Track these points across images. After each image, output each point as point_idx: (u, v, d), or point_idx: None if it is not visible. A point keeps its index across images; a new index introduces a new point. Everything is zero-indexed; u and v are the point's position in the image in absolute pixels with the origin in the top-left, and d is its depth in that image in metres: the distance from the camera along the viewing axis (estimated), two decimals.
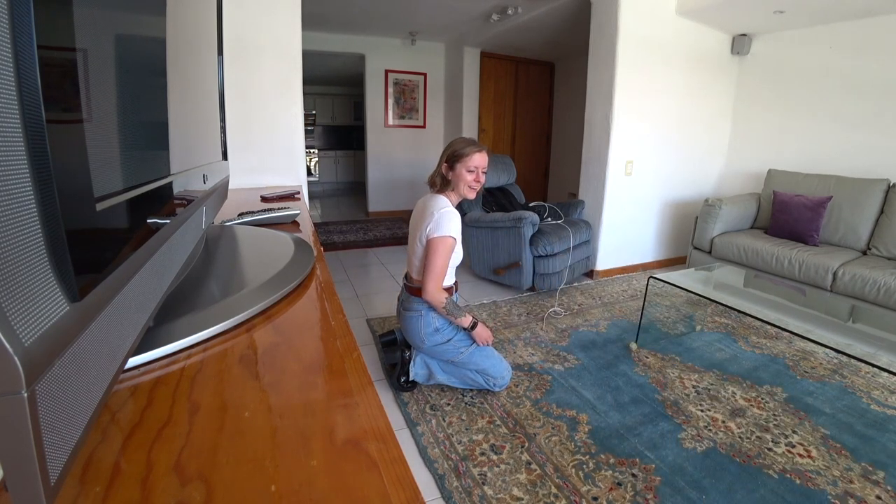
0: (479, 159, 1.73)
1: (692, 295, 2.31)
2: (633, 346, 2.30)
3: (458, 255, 1.79)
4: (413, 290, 1.79)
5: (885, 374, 1.87)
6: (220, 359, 0.48)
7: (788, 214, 3.10)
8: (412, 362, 1.86)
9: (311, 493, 0.31)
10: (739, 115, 3.92)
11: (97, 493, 0.30)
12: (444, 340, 1.79)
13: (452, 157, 1.74)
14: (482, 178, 1.76)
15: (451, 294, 1.83)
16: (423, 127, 5.98)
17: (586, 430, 1.66)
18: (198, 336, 0.50)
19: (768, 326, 2.33)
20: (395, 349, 1.93)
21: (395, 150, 5.89)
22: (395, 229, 5.16)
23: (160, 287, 0.46)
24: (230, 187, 1.25)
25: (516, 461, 1.49)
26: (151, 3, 0.47)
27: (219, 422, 0.38)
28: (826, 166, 3.34)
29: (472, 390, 1.87)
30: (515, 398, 1.84)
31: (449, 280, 1.81)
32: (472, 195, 1.76)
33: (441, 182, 1.78)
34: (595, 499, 1.35)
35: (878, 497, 1.37)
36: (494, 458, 1.51)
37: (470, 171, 1.72)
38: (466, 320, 1.75)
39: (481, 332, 1.79)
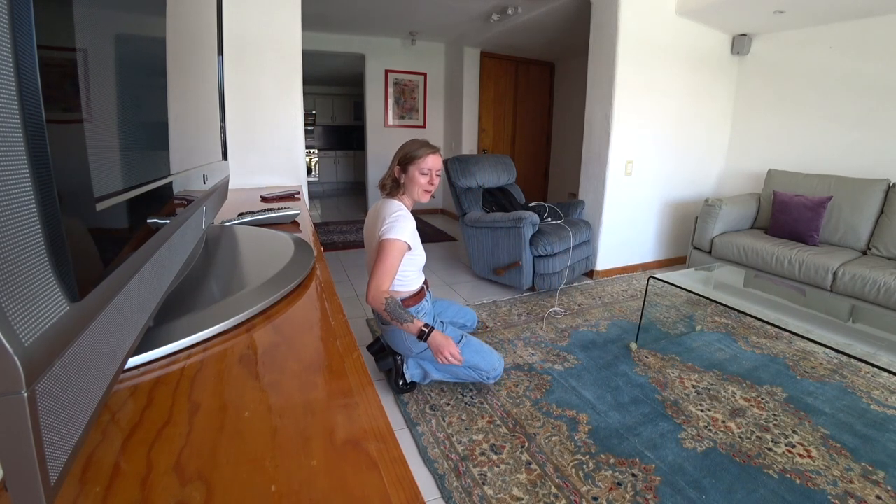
0: (433, 161, 1.67)
1: (692, 295, 2.31)
2: (633, 346, 2.30)
3: (418, 259, 1.71)
4: None
5: (885, 374, 1.87)
6: (220, 359, 0.48)
7: (788, 214, 3.10)
8: (405, 365, 1.85)
9: (311, 493, 0.31)
10: (739, 115, 3.92)
11: (97, 493, 0.30)
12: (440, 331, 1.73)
13: (405, 159, 1.68)
14: (436, 181, 1.70)
15: (420, 300, 1.76)
16: (423, 127, 5.98)
17: (586, 430, 1.66)
18: (198, 336, 0.50)
19: (768, 326, 2.33)
20: (385, 355, 1.90)
21: (395, 150, 5.88)
22: None
23: (160, 287, 0.46)
24: (230, 187, 1.25)
25: (516, 461, 1.49)
26: (151, 3, 0.47)
27: (219, 422, 0.38)
28: (826, 166, 3.34)
29: (471, 390, 1.87)
30: (515, 398, 1.84)
31: (414, 285, 1.75)
32: (426, 198, 1.71)
33: (392, 185, 1.71)
34: (595, 499, 1.35)
35: (878, 497, 1.37)
36: (494, 458, 1.51)
37: (423, 174, 1.66)
38: (414, 326, 1.55)
39: (438, 339, 1.58)
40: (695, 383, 1.98)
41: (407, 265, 1.68)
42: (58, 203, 0.24)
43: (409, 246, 1.62)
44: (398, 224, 1.59)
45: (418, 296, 1.77)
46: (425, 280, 1.84)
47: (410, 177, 1.68)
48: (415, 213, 1.76)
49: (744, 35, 3.69)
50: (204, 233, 0.79)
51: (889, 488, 1.41)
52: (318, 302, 0.66)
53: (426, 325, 1.58)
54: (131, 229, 0.38)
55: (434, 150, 1.69)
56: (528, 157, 6.07)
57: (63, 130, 0.26)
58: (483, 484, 1.39)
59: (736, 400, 1.86)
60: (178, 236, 0.53)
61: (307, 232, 1.19)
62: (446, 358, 1.59)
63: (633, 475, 1.44)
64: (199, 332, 0.51)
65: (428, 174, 1.67)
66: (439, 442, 1.58)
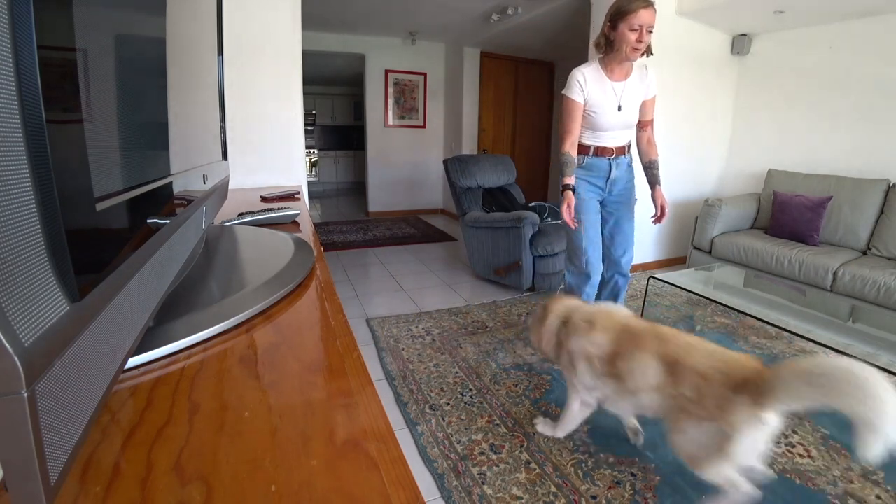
0: (645, 16, 1.60)
1: (692, 295, 2.31)
2: None
3: (591, 116, 1.83)
4: None
5: (885, 374, 1.86)
6: (220, 359, 0.48)
7: (788, 214, 3.10)
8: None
9: (311, 493, 0.31)
10: (739, 115, 3.92)
11: (97, 493, 0.30)
12: (578, 199, 1.94)
13: (615, 15, 1.63)
14: (646, 38, 1.63)
15: (588, 154, 1.90)
16: (423, 127, 5.98)
17: (585, 429, 1.66)
18: (198, 336, 0.50)
19: (768, 326, 2.33)
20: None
21: (395, 150, 5.89)
22: (395, 229, 5.16)
23: (160, 287, 0.46)
24: (230, 187, 1.25)
25: (515, 460, 1.49)
26: (151, 3, 0.47)
27: (219, 422, 0.38)
28: (826, 166, 3.34)
29: (471, 390, 1.88)
30: (515, 398, 1.84)
31: (588, 139, 1.89)
32: (635, 56, 1.66)
33: (605, 43, 1.70)
34: (594, 497, 1.35)
35: (878, 497, 1.37)
36: (494, 457, 1.51)
37: (633, 30, 1.61)
38: (562, 180, 1.82)
39: (568, 198, 1.82)
40: None
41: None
42: (58, 203, 0.24)
43: (573, 99, 1.80)
44: (568, 82, 1.77)
45: (579, 150, 1.90)
46: (599, 148, 1.91)
47: (620, 34, 1.63)
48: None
49: (744, 35, 3.69)
50: (204, 233, 0.79)
51: (889, 488, 1.41)
52: (318, 302, 0.66)
53: (567, 184, 1.82)
54: (131, 229, 0.38)
55: (647, 4, 1.60)
56: (528, 157, 6.07)
57: (63, 130, 0.26)
58: (482, 483, 1.39)
59: None
60: (178, 236, 0.53)
61: (307, 232, 1.19)
62: (563, 213, 1.82)
63: (633, 474, 1.44)
64: (199, 332, 0.51)
65: (638, 31, 1.61)
66: (439, 441, 1.58)
